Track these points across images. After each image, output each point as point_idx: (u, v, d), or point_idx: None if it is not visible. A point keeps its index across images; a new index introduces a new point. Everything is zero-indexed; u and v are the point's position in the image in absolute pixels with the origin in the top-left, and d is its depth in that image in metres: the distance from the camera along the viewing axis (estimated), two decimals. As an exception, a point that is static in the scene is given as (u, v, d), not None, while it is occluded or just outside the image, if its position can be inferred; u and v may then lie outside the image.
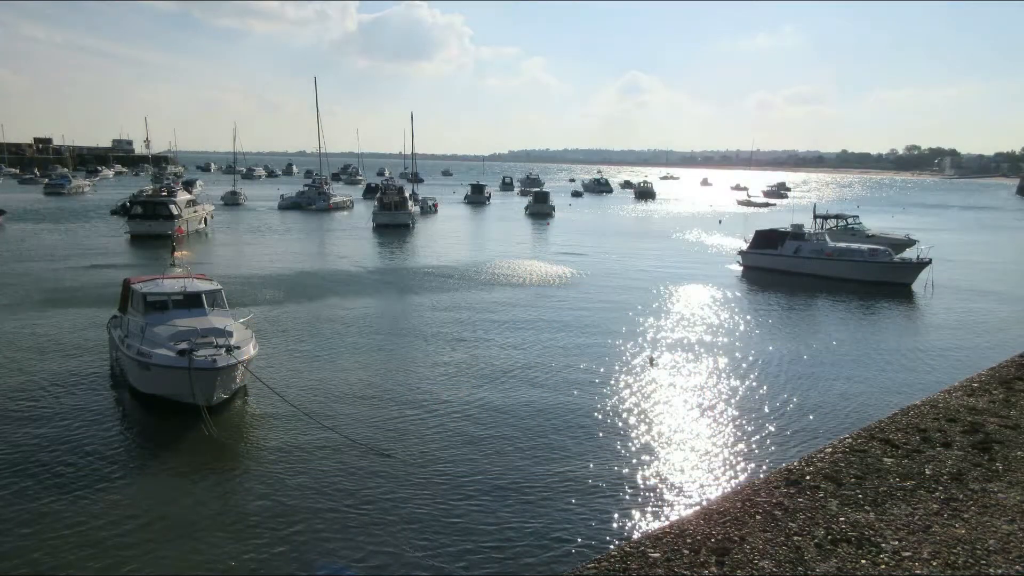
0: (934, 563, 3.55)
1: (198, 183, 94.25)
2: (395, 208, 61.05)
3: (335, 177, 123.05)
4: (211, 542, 11.40)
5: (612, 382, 19.69)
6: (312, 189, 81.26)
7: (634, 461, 14.63)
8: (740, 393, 19.03)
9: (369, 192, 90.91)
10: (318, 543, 11.44)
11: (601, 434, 16.04)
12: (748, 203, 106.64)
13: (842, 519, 3.97)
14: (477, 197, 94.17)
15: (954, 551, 3.65)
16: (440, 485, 13.40)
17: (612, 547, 4.96)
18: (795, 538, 3.77)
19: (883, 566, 3.53)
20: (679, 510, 12.53)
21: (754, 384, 19.83)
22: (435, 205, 77.77)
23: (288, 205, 77.01)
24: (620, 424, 16.65)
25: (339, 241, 53.64)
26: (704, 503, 6.08)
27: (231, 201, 79.54)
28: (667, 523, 4.16)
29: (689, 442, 15.74)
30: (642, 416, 17.19)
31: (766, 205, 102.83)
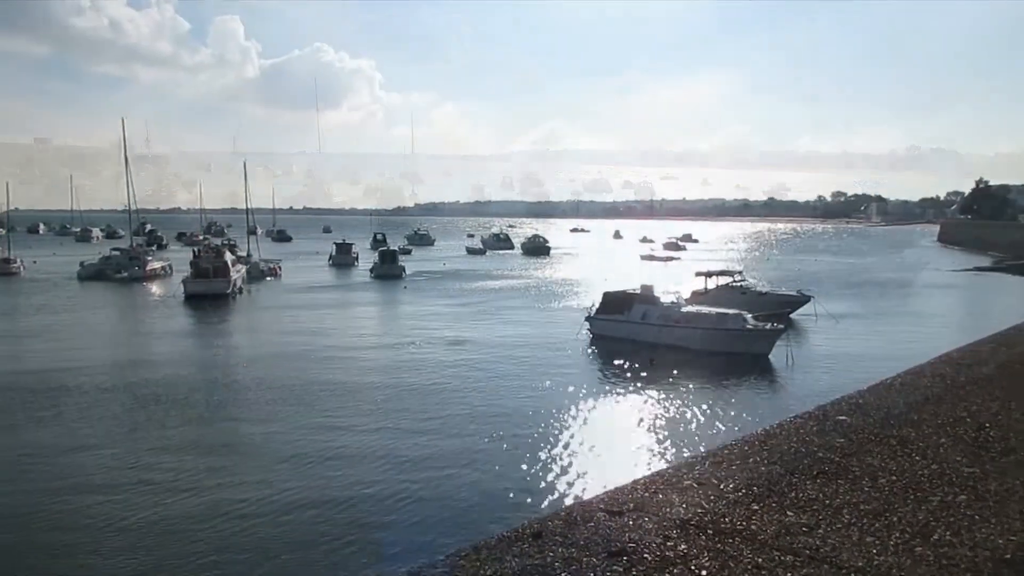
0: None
1: None
2: (212, 275, 55.88)
3: (182, 236, 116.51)
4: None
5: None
6: (122, 254, 70.85)
7: None
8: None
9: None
10: None
11: None
12: (651, 257, 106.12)
13: None
14: (343, 259, 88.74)
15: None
16: None
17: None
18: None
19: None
20: None
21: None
22: (275, 268, 72.04)
23: (91, 274, 67.97)
24: None
25: (127, 322, 48.55)
26: None
27: None
28: None
29: None
30: None
31: (669, 259, 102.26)
